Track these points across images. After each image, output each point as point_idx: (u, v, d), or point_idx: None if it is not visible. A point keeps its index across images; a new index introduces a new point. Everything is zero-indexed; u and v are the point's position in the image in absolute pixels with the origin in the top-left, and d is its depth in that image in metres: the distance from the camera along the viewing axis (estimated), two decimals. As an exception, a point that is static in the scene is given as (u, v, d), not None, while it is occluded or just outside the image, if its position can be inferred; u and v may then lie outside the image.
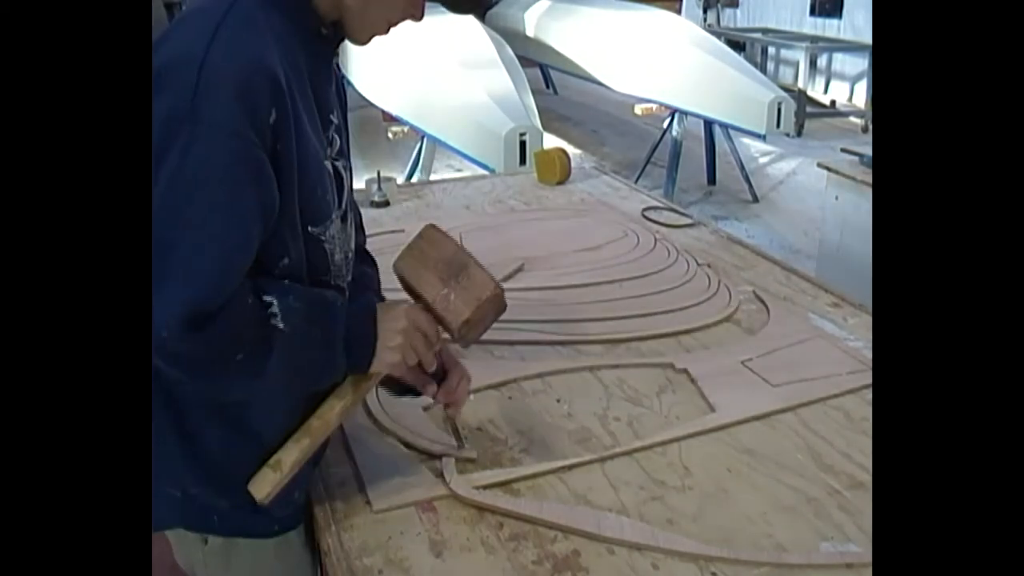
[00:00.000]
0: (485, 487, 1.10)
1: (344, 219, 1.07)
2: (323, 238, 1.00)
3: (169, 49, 0.86)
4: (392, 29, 1.06)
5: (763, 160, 6.39)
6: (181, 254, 0.84)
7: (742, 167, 5.57)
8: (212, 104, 0.84)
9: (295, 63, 0.94)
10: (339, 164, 1.05)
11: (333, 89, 1.07)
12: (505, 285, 1.74)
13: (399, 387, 1.13)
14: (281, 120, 0.89)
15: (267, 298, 0.91)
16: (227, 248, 0.86)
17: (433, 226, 1.04)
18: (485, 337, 1.50)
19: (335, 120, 1.05)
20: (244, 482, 0.98)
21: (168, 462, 0.98)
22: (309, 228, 0.98)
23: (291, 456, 0.97)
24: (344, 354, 0.96)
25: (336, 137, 1.06)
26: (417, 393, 1.13)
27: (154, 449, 0.91)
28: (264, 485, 0.96)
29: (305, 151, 0.94)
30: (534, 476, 1.13)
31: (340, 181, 1.05)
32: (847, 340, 1.51)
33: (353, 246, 1.13)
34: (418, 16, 1.07)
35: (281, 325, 0.91)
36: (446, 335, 1.04)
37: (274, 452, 0.98)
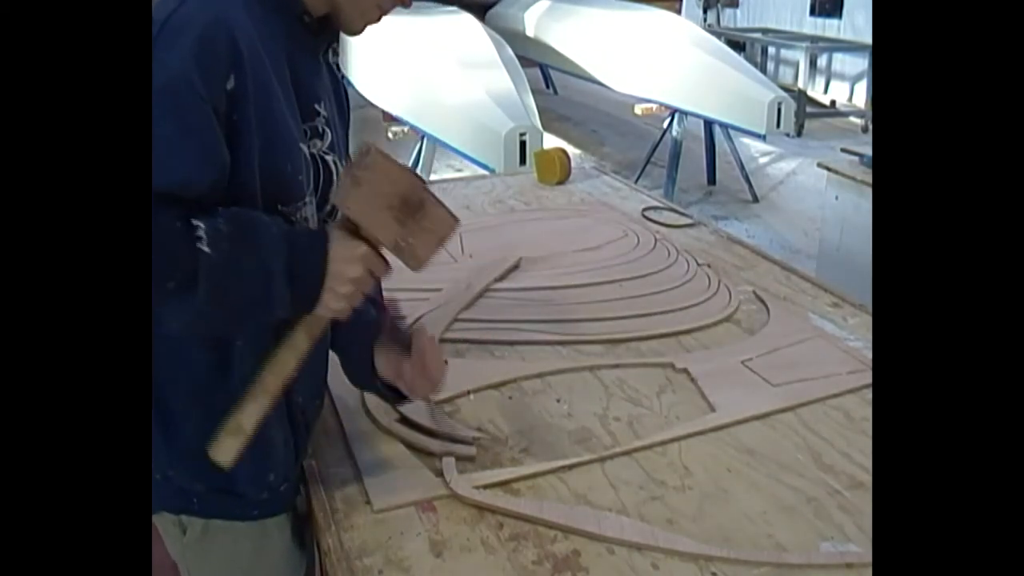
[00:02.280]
0: (485, 487, 1.10)
1: (321, 208, 1.05)
2: (294, 219, 0.97)
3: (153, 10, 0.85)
4: (383, 16, 1.05)
5: (763, 160, 6.39)
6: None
7: (742, 167, 5.57)
8: (170, 51, 0.83)
9: (273, 43, 0.94)
10: (329, 158, 1.04)
11: (325, 83, 1.06)
12: (505, 285, 1.75)
13: (393, 395, 1.14)
14: (240, 88, 0.88)
15: (195, 221, 0.85)
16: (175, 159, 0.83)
17: (379, 151, 0.91)
18: (485, 337, 1.52)
19: (323, 112, 1.04)
20: (263, 475, 1.00)
21: (180, 453, 1.00)
22: (279, 207, 0.95)
23: (251, 417, 0.91)
24: (287, 286, 0.89)
25: (328, 131, 1.04)
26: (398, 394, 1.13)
27: (166, 440, 0.97)
28: (228, 450, 0.91)
29: (272, 127, 0.92)
30: (534, 476, 1.13)
31: (328, 172, 1.04)
32: (847, 340, 1.51)
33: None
34: (407, 1, 1.04)
35: (207, 249, 0.84)
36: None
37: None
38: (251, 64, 0.89)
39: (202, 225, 0.85)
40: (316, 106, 1.03)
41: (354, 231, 0.92)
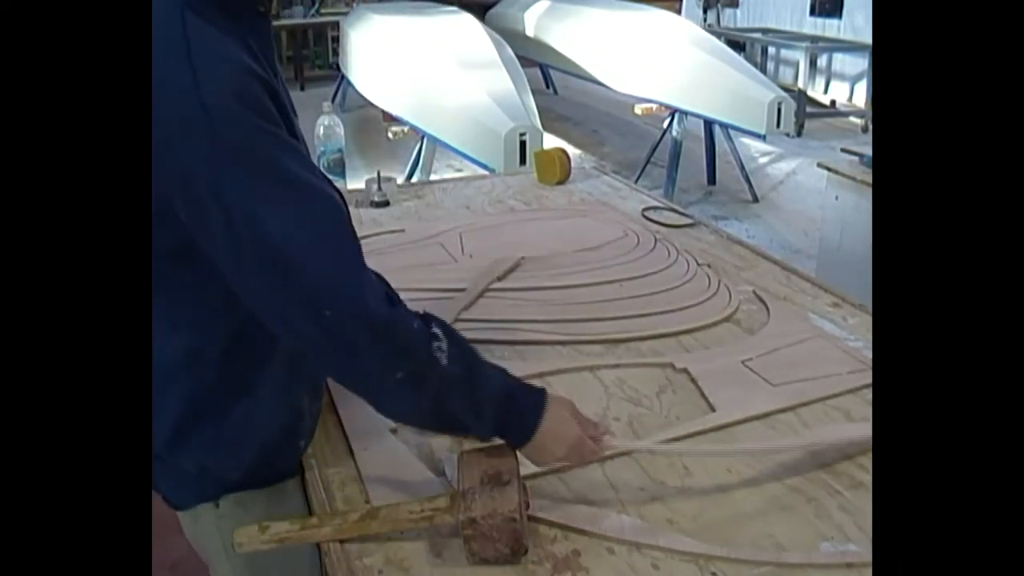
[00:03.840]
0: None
1: None
2: None
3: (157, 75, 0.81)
4: None
5: (763, 160, 6.39)
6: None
7: (742, 167, 5.57)
8: (232, 129, 0.83)
9: (257, 54, 0.93)
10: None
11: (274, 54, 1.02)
12: (505, 285, 1.75)
13: None
14: (280, 108, 0.91)
15: (434, 329, 0.94)
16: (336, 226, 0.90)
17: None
18: (485, 337, 1.52)
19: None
20: (260, 451, 1.07)
21: (185, 439, 1.04)
22: None
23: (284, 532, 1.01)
24: (492, 429, 0.99)
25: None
26: None
27: (170, 427, 1.03)
28: (249, 541, 1.00)
29: (293, 127, 0.95)
30: (534, 476, 1.13)
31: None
32: (847, 340, 1.51)
33: None
34: None
35: (445, 363, 0.93)
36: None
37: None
38: (271, 85, 0.91)
39: (443, 339, 0.94)
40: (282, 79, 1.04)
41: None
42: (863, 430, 1.16)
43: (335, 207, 0.91)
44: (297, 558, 1.14)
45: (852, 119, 7.58)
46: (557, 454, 1.00)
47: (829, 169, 2.93)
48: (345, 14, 7.65)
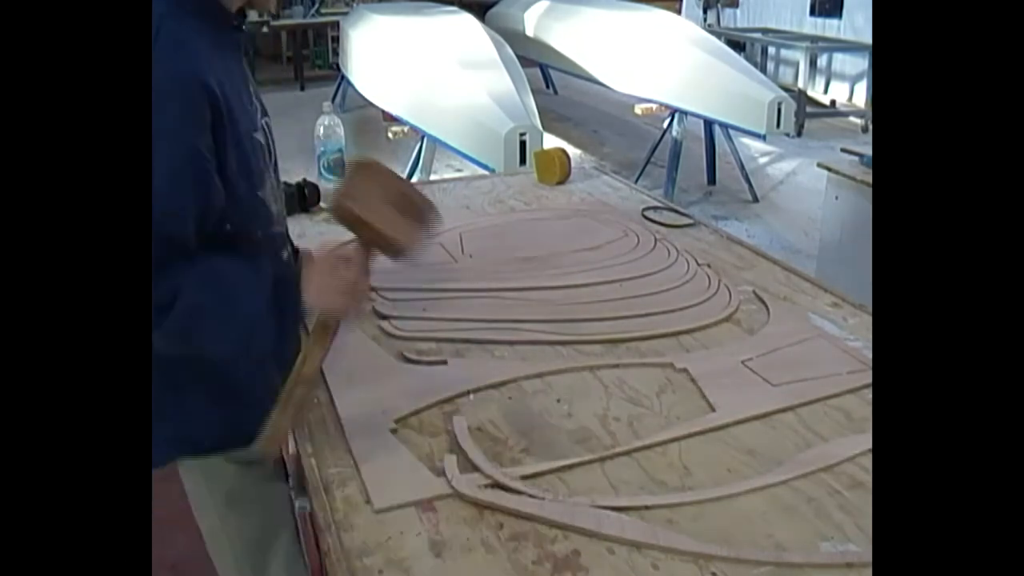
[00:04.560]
0: (486, 486, 1.10)
1: (275, 171, 1.22)
2: (264, 197, 1.16)
3: None
4: None
5: (763, 160, 6.39)
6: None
7: (742, 167, 5.57)
8: (160, 116, 0.94)
9: (222, 60, 1.07)
10: (263, 122, 1.19)
11: (242, 65, 1.18)
12: (505, 284, 1.75)
13: None
14: (216, 120, 1.03)
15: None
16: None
17: (377, 162, 1.08)
18: (485, 337, 1.52)
19: (252, 92, 1.19)
20: (227, 409, 1.20)
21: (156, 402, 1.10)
22: (258, 193, 1.14)
23: (291, 418, 1.09)
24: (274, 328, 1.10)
25: (256, 101, 1.20)
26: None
27: (177, 398, 1.17)
28: (273, 445, 1.10)
29: (238, 136, 1.08)
30: (534, 476, 1.13)
31: (267, 138, 1.20)
32: (847, 340, 1.51)
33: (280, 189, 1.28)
34: None
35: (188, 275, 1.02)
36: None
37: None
38: (220, 95, 1.03)
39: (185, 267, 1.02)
40: (249, 87, 1.18)
41: (356, 222, 1.05)
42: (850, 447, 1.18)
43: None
44: (272, 501, 1.32)
45: (852, 119, 7.58)
46: (336, 304, 1.09)
47: (829, 169, 2.93)
48: (345, 14, 7.65)
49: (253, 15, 10.60)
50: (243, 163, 1.10)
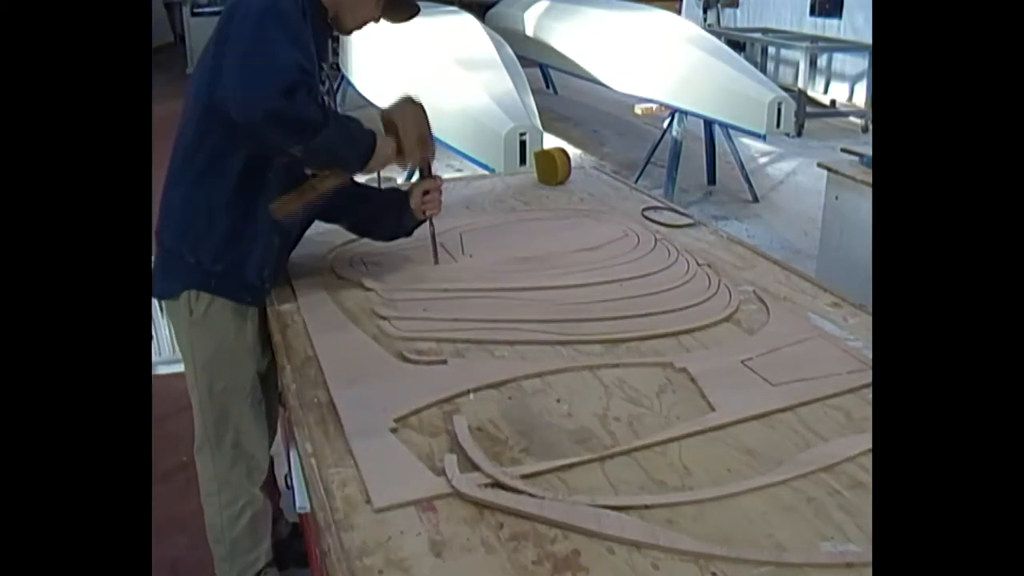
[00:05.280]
0: (486, 485, 1.10)
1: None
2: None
3: None
4: (369, 24, 1.73)
5: (763, 160, 6.39)
6: (270, 56, 1.38)
7: (742, 167, 5.57)
8: (281, 3, 1.44)
9: (313, 27, 1.54)
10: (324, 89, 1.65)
11: (328, 55, 1.72)
12: (505, 284, 1.76)
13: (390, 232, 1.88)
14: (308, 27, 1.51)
15: (325, 105, 1.52)
16: (293, 47, 1.42)
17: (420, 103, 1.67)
18: (485, 337, 1.52)
19: (325, 68, 1.67)
20: (234, 257, 1.61)
21: (195, 237, 1.60)
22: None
23: (302, 197, 1.57)
24: (356, 151, 1.55)
25: (327, 80, 1.69)
26: (405, 233, 1.87)
27: (187, 227, 1.60)
28: (285, 210, 1.56)
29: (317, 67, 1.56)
30: (534, 475, 1.13)
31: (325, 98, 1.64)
32: (847, 340, 1.51)
33: None
34: (377, 20, 1.73)
35: (329, 108, 1.52)
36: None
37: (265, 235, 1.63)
38: (310, 31, 1.52)
39: (326, 105, 1.54)
40: (323, 64, 1.65)
41: (392, 129, 1.60)
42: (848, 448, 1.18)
43: (287, 62, 1.40)
44: (241, 362, 1.69)
45: (852, 119, 7.58)
46: (386, 151, 1.59)
47: (829, 169, 2.93)
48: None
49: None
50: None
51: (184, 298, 1.63)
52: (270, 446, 1.87)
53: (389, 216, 1.86)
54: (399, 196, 1.86)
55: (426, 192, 1.82)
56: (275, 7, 1.42)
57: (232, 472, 1.78)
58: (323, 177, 1.57)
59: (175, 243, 1.62)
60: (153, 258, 1.63)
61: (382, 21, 1.74)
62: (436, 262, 1.82)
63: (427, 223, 1.84)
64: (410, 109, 1.64)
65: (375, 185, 2.32)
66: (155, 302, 1.71)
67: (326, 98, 1.60)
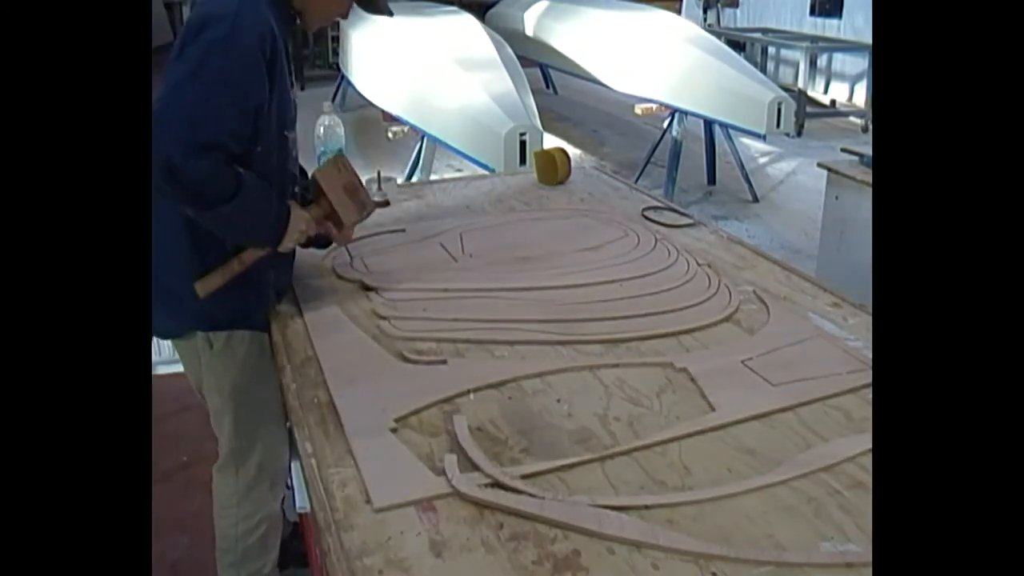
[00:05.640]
0: (486, 485, 1.10)
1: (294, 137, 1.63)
2: (289, 136, 1.57)
3: (208, 8, 1.38)
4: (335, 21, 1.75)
5: (763, 160, 6.39)
6: (193, 104, 1.31)
7: (742, 167, 5.57)
8: (242, 38, 1.36)
9: (279, 32, 1.46)
10: (295, 100, 1.62)
11: (303, 68, 2.01)
12: (505, 284, 1.76)
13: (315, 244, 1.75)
14: (273, 60, 1.42)
15: (238, 169, 1.39)
16: (224, 107, 1.34)
17: (346, 159, 1.65)
18: (485, 337, 1.52)
19: (294, 90, 1.61)
20: (239, 300, 1.57)
21: (189, 271, 1.50)
22: (284, 132, 1.54)
23: (224, 276, 1.51)
24: (268, 233, 1.51)
25: (295, 83, 1.61)
26: (322, 246, 1.77)
27: (181, 261, 1.51)
28: (207, 289, 1.50)
29: (283, 80, 1.49)
30: (534, 475, 1.13)
31: (295, 109, 1.62)
32: (847, 340, 1.51)
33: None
34: (346, 16, 1.66)
35: (244, 183, 1.39)
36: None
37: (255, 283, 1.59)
38: (278, 47, 1.44)
39: (243, 175, 1.40)
40: (292, 72, 1.61)
41: (318, 191, 1.60)
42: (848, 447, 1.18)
43: (208, 124, 1.33)
44: (266, 383, 1.65)
45: (852, 119, 7.58)
46: (300, 228, 1.55)
47: (829, 169, 2.93)
48: (345, 14, 7.62)
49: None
50: (282, 105, 1.50)
51: (199, 337, 1.61)
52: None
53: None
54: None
55: (327, 217, 1.63)
56: (231, 43, 1.33)
57: (255, 489, 1.76)
58: (246, 252, 1.52)
59: (172, 279, 1.51)
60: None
61: (387, 20, 1.75)
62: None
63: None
64: (328, 166, 1.62)
65: (376, 184, 2.34)
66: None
67: (295, 114, 1.59)
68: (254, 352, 1.65)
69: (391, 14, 1.72)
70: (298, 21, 1.56)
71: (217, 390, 1.67)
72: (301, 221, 1.54)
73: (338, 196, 1.58)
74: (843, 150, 3.07)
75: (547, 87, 8.78)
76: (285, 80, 1.50)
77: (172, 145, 1.27)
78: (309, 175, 1.68)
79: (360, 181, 1.62)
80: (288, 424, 1.68)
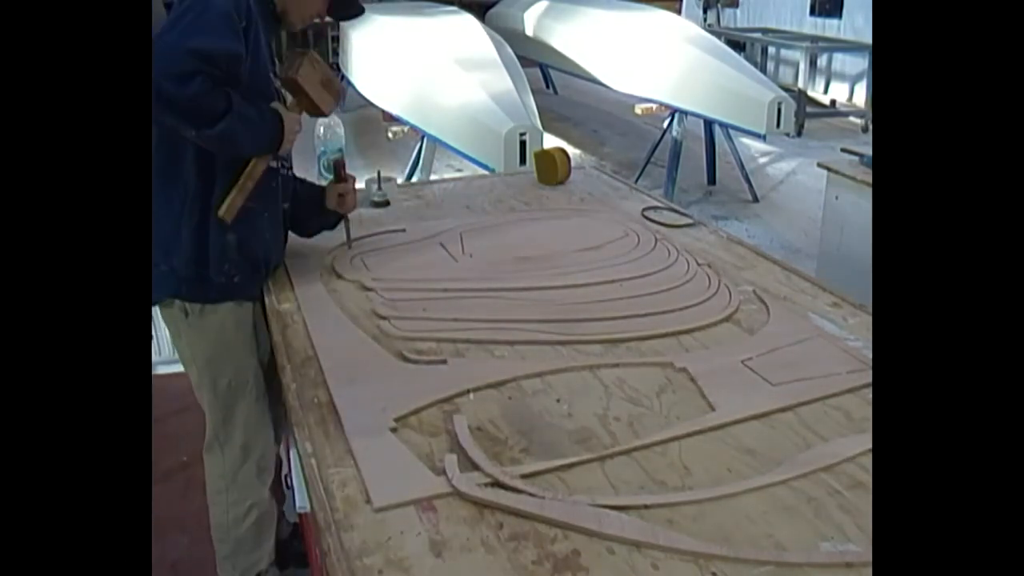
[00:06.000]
0: (486, 485, 1.10)
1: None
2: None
3: None
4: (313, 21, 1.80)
5: (763, 160, 6.39)
6: (174, 40, 1.40)
7: (742, 167, 5.57)
8: (217, 1, 1.46)
9: (256, 15, 1.56)
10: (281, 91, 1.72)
11: (282, 55, 1.90)
12: (505, 284, 1.76)
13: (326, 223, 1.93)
14: (247, 28, 1.51)
15: (228, 91, 1.49)
16: (202, 40, 1.42)
17: (315, 56, 1.70)
18: (485, 337, 1.52)
19: (276, 67, 1.73)
20: (201, 259, 1.63)
21: (165, 246, 1.61)
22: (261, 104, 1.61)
23: (241, 195, 1.59)
24: (267, 138, 1.60)
25: (276, 79, 1.72)
26: (331, 226, 1.93)
27: (171, 241, 1.61)
28: (229, 212, 1.58)
29: (260, 54, 1.59)
30: (533, 475, 1.13)
31: (279, 99, 1.70)
32: (847, 340, 1.51)
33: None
34: (323, 16, 1.79)
35: (233, 108, 1.49)
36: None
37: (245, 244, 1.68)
38: (255, 21, 1.54)
39: (231, 93, 1.49)
40: (275, 62, 1.75)
41: (296, 90, 1.66)
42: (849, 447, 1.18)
43: (189, 47, 1.41)
44: (242, 357, 1.73)
45: (852, 119, 7.58)
46: (294, 130, 1.65)
47: (829, 169, 2.93)
48: (345, 14, 7.62)
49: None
50: (259, 77, 1.59)
51: (176, 304, 1.68)
52: (278, 448, 1.88)
53: (312, 214, 1.91)
54: (319, 193, 1.92)
55: (340, 195, 1.87)
56: (207, 4, 1.45)
57: (241, 471, 1.80)
58: (252, 165, 1.61)
59: (153, 250, 1.62)
60: None
61: (387, 20, 1.83)
62: (349, 247, 1.94)
63: (343, 218, 1.93)
64: (302, 60, 1.68)
65: (376, 184, 2.35)
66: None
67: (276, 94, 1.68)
68: (229, 326, 1.70)
69: (363, 11, 1.87)
70: (277, 14, 1.68)
71: (192, 360, 1.74)
72: (293, 121, 1.64)
73: (316, 90, 1.67)
74: (843, 150, 3.07)
75: (547, 87, 8.79)
76: (262, 56, 1.60)
77: (161, 75, 1.36)
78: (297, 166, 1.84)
79: (332, 71, 1.72)
80: (267, 404, 1.79)
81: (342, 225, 1.93)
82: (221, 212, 1.58)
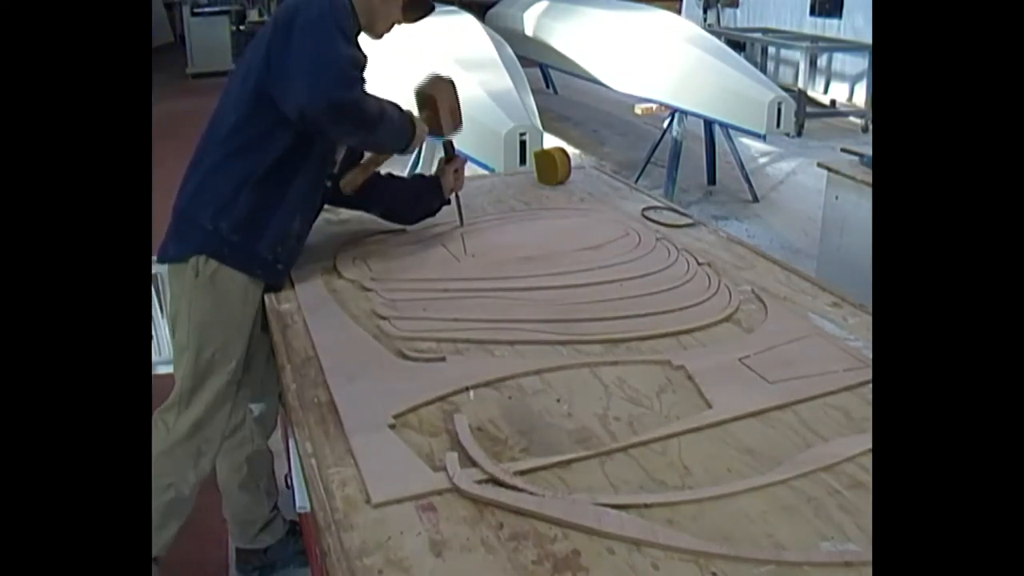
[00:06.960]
0: (485, 482, 1.10)
1: None
2: None
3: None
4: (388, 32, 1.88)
5: (763, 160, 6.39)
6: (333, 54, 1.55)
7: (742, 167, 5.57)
8: (332, 14, 1.58)
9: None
10: None
11: None
12: (505, 284, 1.76)
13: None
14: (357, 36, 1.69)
15: (380, 97, 1.65)
16: (353, 51, 1.60)
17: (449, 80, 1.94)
18: (485, 337, 1.52)
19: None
20: (255, 231, 1.68)
21: (218, 205, 1.66)
22: None
23: (364, 173, 1.87)
24: (403, 135, 1.76)
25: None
26: (433, 212, 2.08)
27: (226, 203, 1.66)
28: (352, 185, 1.84)
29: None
30: (532, 471, 1.13)
31: None
32: (847, 340, 1.51)
33: None
34: (401, 21, 1.89)
35: (386, 112, 1.66)
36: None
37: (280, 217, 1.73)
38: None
39: (381, 99, 1.65)
40: None
41: (430, 105, 1.89)
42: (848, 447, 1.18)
43: (347, 57, 1.57)
44: (234, 333, 1.71)
45: (852, 119, 7.58)
46: (423, 132, 1.81)
47: (829, 169, 2.93)
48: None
49: (253, 15, 10.56)
50: None
51: (192, 262, 1.67)
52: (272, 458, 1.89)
53: (420, 201, 2.05)
54: (427, 181, 2.06)
55: (456, 170, 2.04)
56: (333, 11, 1.57)
57: (180, 447, 1.74)
58: (372, 157, 1.86)
59: (195, 209, 1.67)
60: (166, 227, 1.70)
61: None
62: (462, 224, 2.07)
63: (456, 197, 2.08)
64: (444, 84, 1.89)
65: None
66: (156, 277, 1.79)
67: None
68: (235, 297, 1.70)
69: (433, 8, 2.01)
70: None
71: (187, 320, 1.71)
72: (423, 131, 1.81)
73: (446, 112, 1.87)
74: (843, 150, 3.07)
75: (547, 87, 8.78)
76: None
77: (330, 85, 1.51)
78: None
79: (456, 98, 1.94)
80: (237, 399, 1.78)
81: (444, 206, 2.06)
82: (342, 184, 1.81)
